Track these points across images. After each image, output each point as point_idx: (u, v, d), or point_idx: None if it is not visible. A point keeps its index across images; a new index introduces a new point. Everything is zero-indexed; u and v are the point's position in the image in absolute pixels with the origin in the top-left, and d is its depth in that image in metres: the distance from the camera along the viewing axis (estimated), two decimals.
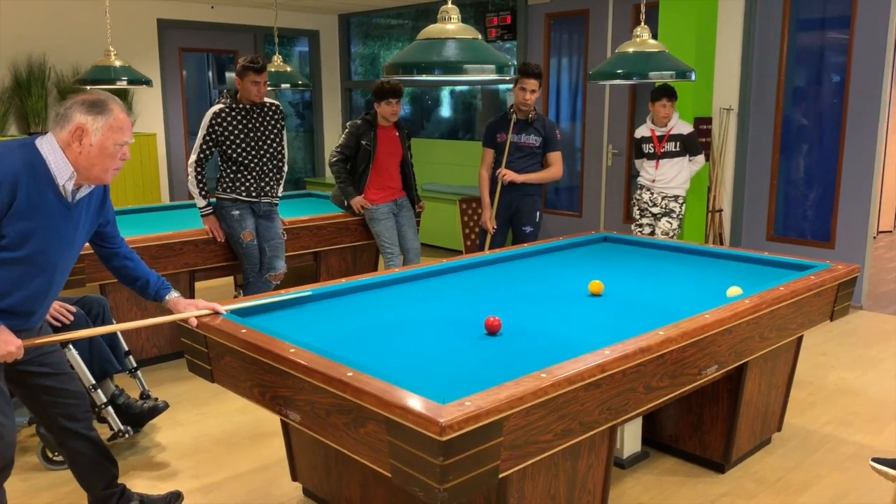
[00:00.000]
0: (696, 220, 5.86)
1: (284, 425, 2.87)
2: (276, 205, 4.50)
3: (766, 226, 6.05)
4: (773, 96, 5.85)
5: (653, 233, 5.33)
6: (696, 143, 5.25)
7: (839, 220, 5.61)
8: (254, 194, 4.33)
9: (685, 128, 5.21)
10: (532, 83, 4.62)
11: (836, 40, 5.56)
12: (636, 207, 5.40)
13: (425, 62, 2.38)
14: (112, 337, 3.28)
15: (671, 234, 5.23)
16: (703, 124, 5.81)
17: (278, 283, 4.43)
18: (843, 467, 3.14)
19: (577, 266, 3.46)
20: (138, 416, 3.24)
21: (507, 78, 2.47)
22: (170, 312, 2.57)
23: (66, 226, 2.27)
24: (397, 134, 4.95)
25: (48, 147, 2.20)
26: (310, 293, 2.86)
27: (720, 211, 6.06)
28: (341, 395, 1.97)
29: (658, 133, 5.22)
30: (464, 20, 2.52)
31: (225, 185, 4.30)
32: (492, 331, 2.47)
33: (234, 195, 4.29)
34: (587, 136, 7.09)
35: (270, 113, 4.38)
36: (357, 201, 4.88)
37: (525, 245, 3.84)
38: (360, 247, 5.20)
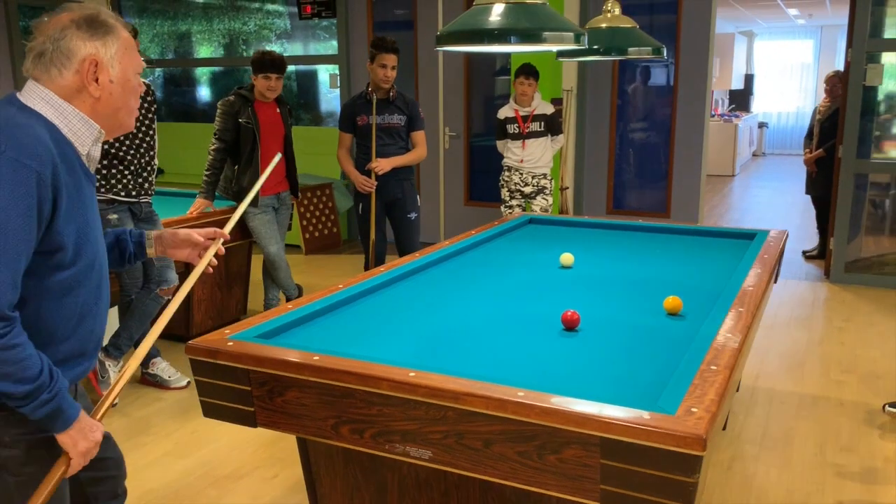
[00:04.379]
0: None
1: (307, 465, 2.40)
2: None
3: (605, 200, 6.42)
4: (608, 77, 6.19)
5: (523, 212, 5.38)
6: (558, 122, 5.39)
7: (673, 191, 6.12)
8: (133, 193, 3.57)
9: (548, 108, 5.32)
10: (391, 58, 4.36)
11: (664, 22, 6.01)
12: (505, 189, 5.40)
13: (499, 29, 2.08)
14: None
15: (548, 210, 5.33)
16: (556, 105, 5.97)
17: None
18: (801, 416, 3.42)
19: (547, 250, 3.34)
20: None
21: (584, 48, 2.26)
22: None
23: (95, 210, 1.63)
24: (279, 111, 4.43)
25: (47, 105, 1.51)
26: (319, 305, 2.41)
27: (567, 188, 6.30)
28: (521, 420, 1.66)
29: (522, 113, 5.26)
30: None
31: (98, 184, 3.49)
32: (570, 326, 2.27)
33: (111, 195, 3.51)
34: None
35: (143, 95, 3.64)
36: (200, 204, 4.27)
37: (470, 234, 3.61)
38: (234, 248, 4.57)
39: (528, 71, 5.14)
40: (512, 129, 5.28)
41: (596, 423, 1.59)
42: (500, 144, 5.43)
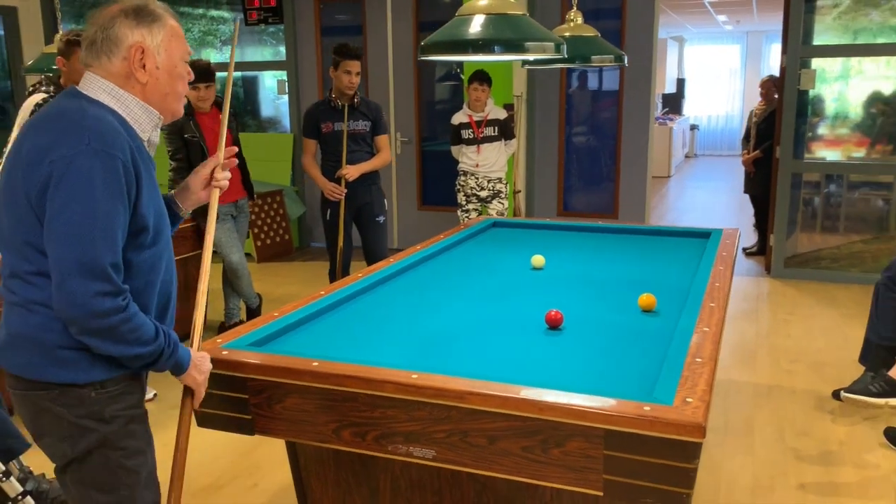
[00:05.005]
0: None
1: (296, 470, 2.42)
2: None
3: (556, 203, 6.56)
4: (556, 82, 6.34)
5: (480, 215, 5.47)
6: (510, 127, 5.50)
7: (621, 193, 6.31)
8: None
9: (501, 113, 5.42)
10: (356, 65, 4.38)
11: (609, 28, 6.19)
12: (461, 194, 5.47)
13: (484, 39, 2.15)
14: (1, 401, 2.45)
15: (504, 213, 5.42)
16: (508, 110, 6.08)
17: None
18: (758, 404, 3.59)
19: (516, 253, 3.42)
20: (60, 502, 2.47)
21: (560, 57, 2.34)
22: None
23: (160, 193, 1.79)
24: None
25: (109, 96, 1.63)
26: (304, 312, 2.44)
27: (519, 191, 6.43)
28: (525, 416, 1.73)
29: (476, 118, 5.35)
30: None
31: None
32: (555, 324, 2.35)
33: None
34: None
35: None
36: None
37: (439, 238, 3.66)
38: (191, 257, 4.52)
39: (482, 77, 5.23)
40: (466, 134, 5.35)
41: (599, 415, 1.66)
42: (454, 150, 5.49)
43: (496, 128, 5.35)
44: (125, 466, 1.73)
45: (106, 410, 1.68)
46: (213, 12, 7.48)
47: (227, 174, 2.00)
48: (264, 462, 3.06)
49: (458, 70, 6.71)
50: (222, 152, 2.02)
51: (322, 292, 2.65)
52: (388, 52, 6.75)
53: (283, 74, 7.20)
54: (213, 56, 7.57)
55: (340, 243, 4.47)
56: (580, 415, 1.68)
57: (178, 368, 1.75)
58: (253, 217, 6.61)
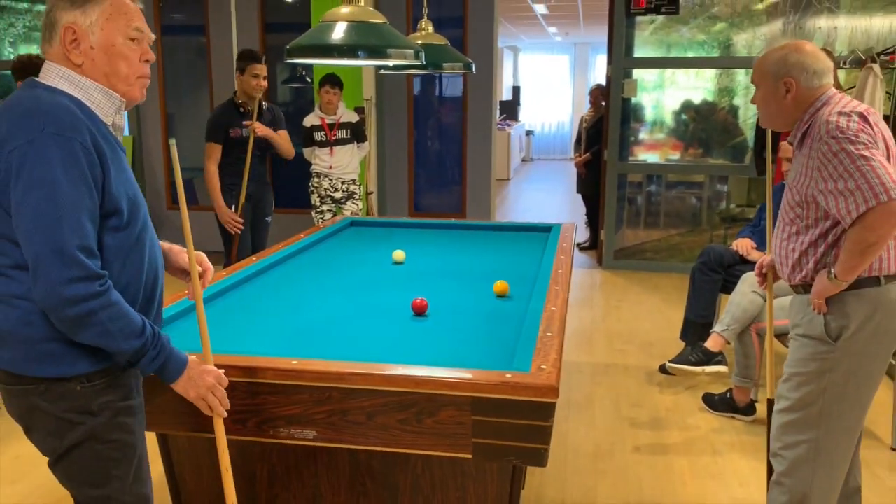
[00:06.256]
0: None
1: (168, 465, 2.43)
2: None
3: (407, 203, 6.78)
4: (403, 88, 6.56)
5: (335, 216, 5.57)
6: (363, 130, 5.65)
7: (468, 193, 6.63)
8: None
9: (353, 116, 5.56)
10: (263, 68, 4.50)
11: (451, 36, 6.46)
12: (315, 195, 5.55)
13: (349, 45, 2.30)
14: None
15: (358, 214, 5.55)
16: (360, 114, 6.21)
17: None
18: (596, 381, 3.96)
19: (376, 249, 3.57)
20: None
21: (417, 63, 2.51)
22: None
23: (133, 177, 1.74)
24: None
25: (66, 81, 1.62)
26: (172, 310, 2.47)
27: (372, 193, 6.58)
28: (402, 391, 1.89)
29: (328, 121, 5.45)
30: None
31: None
32: (420, 311, 2.53)
33: None
34: None
35: None
36: None
37: (300, 237, 3.73)
38: None
39: (334, 80, 5.34)
40: (319, 136, 5.44)
41: (467, 384, 1.85)
42: (307, 152, 5.56)
43: (349, 130, 5.48)
44: (114, 458, 1.71)
45: (93, 403, 1.67)
46: (39, 7, 7.05)
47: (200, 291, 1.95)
48: None
49: (305, 73, 6.76)
50: (196, 284, 1.94)
51: (185, 292, 2.67)
52: (232, 53, 6.66)
53: None
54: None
55: (245, 242, 4.57)
56: (451, 385, 1.86)
57: (166, 374, 1.72)
58: None
